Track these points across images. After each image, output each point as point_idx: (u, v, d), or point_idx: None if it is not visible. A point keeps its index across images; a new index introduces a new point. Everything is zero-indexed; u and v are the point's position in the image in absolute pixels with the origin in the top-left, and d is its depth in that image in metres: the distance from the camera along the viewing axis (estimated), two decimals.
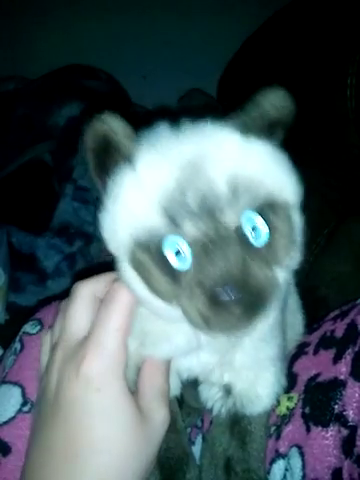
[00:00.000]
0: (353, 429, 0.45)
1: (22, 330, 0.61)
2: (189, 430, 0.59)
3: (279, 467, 0.49)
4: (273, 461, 0.50)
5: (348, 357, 0.49)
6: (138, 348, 0.47)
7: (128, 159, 0.39)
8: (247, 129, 0.38)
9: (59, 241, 1.15)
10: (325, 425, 0.46)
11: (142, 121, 0.42)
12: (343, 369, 0.49)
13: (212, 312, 0.36)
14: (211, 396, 0.52)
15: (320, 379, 0.50)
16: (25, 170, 1.25)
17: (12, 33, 1.63)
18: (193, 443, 0.58)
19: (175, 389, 0.53)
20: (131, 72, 1.53)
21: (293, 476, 0.47)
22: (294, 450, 0.48)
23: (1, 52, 1.63)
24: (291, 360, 0.56)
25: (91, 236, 1.17)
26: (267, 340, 0.48)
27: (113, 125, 0.38)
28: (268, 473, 0.50)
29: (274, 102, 0.38)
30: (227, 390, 0.51)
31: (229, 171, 0.37)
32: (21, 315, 1.03)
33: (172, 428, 0.51)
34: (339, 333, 0.53)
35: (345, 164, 0.92)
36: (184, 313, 0.38)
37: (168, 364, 0.49)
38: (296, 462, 0.48)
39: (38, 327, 0.60)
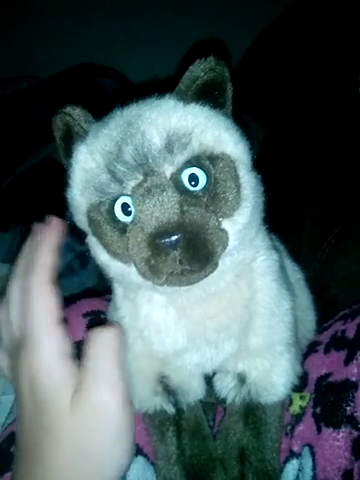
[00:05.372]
0: None
1: None
2: None
3: (293, 467, 0.49)
4: (287, 460, 0.50)
5: None
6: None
7: (84, 138, 0.42)
8: (183, 94, 0.42)
9: (70, 239, 1.15)
10: (336, 426, 0.46)
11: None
12: (355, 371, 0.49)
13: (154, 256, 0.38)
14: (225, 385, 0.51)
15: (331, 379, 0.51)
16: (38, 169, 1.26)
17: (25, 33, 1.63)
18: None
19: (200, 392, 0.52)
20: (143, 71, 1.53)
21: (304, 476, 0.48)
22: (306, 449, 0.49)
23: (14, 52, 1.64)
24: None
25: None
26: (276, 314, 0.47)
27: (73, 113, 0.43)
28: (282, 471, 0.50)
29: (203, 67, 0.41)
30: (241, 379, 0.50)
31: (162, 126, 0.39)
32: None
33: (197, 434, 0.51)
34: (350, 334, 0.53)
35: (357, 159, 0.91)
36: (135, 266, 0.40)
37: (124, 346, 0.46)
38: (307, 462, 0.48)
39: None
